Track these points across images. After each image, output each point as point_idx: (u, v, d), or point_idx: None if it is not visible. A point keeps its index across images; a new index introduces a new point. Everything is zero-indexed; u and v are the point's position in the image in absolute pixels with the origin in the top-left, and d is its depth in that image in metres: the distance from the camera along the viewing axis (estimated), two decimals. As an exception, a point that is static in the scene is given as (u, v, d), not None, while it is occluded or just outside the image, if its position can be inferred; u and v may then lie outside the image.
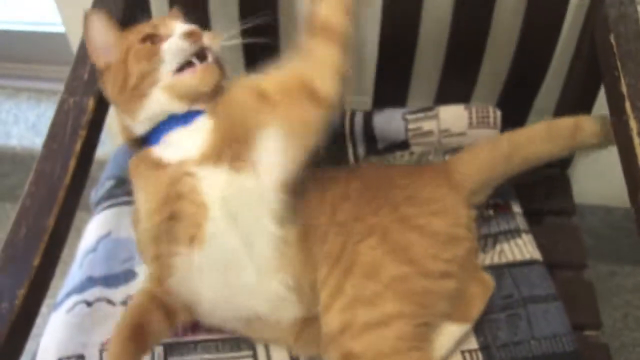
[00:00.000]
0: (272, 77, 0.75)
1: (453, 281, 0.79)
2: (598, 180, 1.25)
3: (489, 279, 0.87)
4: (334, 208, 0.78)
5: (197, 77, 0.75)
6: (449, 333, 0.81)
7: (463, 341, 0.83)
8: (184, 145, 0.75)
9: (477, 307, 0.84)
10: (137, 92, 0.76)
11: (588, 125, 0.89)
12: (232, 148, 0.73)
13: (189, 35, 0.76)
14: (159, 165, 0.75)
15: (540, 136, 0.89)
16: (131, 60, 0.75)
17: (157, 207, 0.73)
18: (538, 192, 1.04)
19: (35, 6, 1.50)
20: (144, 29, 0.78)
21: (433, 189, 0.85)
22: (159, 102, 0.76)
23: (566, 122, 0.90)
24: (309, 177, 0.77)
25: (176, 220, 0.73)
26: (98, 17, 0.78)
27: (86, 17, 0.78)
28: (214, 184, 0.73)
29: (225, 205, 0.73)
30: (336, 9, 0.74)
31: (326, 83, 0.73)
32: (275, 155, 0.73)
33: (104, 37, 0.78)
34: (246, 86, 0.76)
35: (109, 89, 0.79)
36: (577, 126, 0.89)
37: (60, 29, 1.31)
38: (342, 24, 0.74)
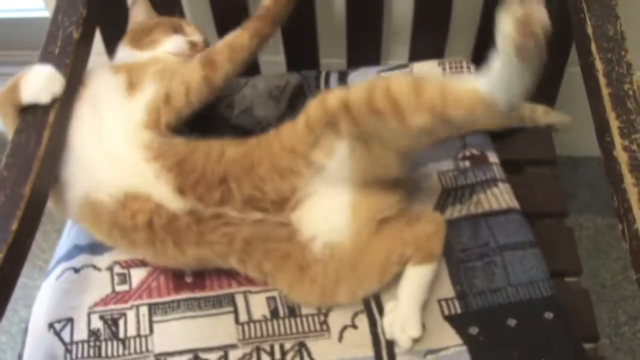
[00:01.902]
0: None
1: None
2: (590, 131, 1.24)
3: (438, 215, 0.89)
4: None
5: None
6: (419, 275, 0.83)
7: (435, 282, 0.85)
8: None
9: (436, 245, 0.84)
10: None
11: None
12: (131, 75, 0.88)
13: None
14: None
15: None
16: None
17: None
18: (518, 142, 1.04)
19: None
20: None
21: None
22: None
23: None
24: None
25: None
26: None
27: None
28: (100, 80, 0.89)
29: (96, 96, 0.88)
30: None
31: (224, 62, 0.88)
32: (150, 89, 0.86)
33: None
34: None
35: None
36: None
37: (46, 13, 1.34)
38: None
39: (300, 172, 0.81)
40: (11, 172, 0.78)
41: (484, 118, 0.71)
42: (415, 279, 0.83)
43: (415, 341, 0.81)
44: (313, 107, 0.79)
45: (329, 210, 0.83)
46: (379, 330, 0.83)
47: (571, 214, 1.45)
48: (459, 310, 0.84)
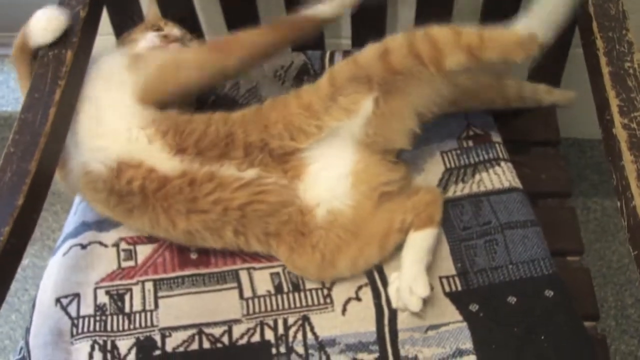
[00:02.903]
0: None
1: None
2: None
3: (435, 187, 0.92)
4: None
5: None
6: (420, 239, 0.85)
7: (436, 259, 0.86)
8: None
9: (435, 211, 0.87)
10: None
11: None
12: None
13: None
14: None
15: None
16: None
17: None
18: (523, 122, 1.04)
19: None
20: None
21: None
22: None
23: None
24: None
25: None
26: None
27: None
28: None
29: None
30: None
31: None
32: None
33: None
34: None
35: None
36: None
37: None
38: None
39: (310, 133, 0.84)
40: (17, 148, 0.79)
41: (514, 58, 0.78)
42: (417, 243, 0.84)
43: (417, 316, 0.82)
44: (340, 65, 0.85)
45: (331, 177, 0.86)
46: (383, 302, 0.84)
47: (579, 196, 1.46)
48: (459, 288, 0.85)
